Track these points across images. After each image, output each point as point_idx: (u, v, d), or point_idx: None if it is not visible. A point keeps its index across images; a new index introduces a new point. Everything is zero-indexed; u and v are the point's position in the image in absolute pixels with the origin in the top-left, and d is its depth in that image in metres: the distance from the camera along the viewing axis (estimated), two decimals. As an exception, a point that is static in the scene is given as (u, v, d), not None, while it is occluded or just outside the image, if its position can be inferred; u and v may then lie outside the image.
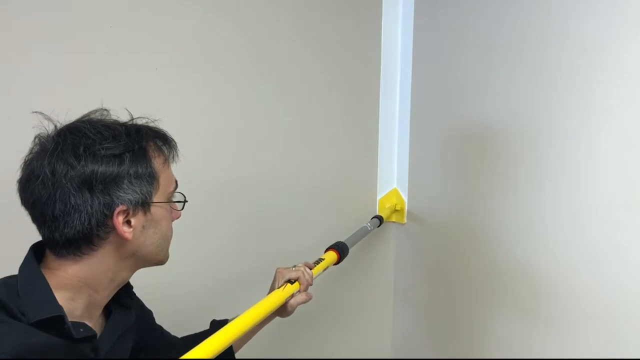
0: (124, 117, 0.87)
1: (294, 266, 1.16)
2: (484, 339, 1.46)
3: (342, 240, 1.38)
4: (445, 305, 1.61)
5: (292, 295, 1.12)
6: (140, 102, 0.96)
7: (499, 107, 1.35)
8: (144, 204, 0.83)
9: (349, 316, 1.79)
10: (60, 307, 0.78)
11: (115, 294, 0.90)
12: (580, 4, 1.13)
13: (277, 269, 1.16)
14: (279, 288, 1.10)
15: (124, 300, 0.95)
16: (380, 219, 1.65)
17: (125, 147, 0.81)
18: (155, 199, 0.85)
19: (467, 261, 1.51)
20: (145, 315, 1.10)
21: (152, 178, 0.84)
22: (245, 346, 1.20)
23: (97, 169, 0.78)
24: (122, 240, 0.82)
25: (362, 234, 1.53)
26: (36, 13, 1.15)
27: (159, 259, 0.90)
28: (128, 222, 0.82)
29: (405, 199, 1.74)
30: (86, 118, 0.83)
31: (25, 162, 0.82)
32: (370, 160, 1.76)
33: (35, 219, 0.81)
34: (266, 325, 1.18)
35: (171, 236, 0.91)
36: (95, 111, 0.85)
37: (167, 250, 0.91)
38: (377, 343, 1.87)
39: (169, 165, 0.89)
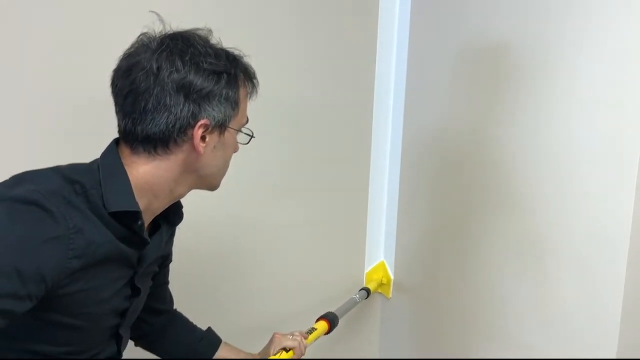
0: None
1: (291, 334, 1.19)
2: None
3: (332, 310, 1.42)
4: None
5: None
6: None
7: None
8: (222, 126, 0.87)
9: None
10: (137, 204, 0.83)
11: (166, 209, 0.93)
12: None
13: (275, 333, 1.18)
14: (274, 355, 1.14)
15: (171, 217, 0.97)
16: (367, 291, 1.69)
17: (224, 67, 0.85)
18: (231, 125, 0.89)
19: (456, 335, 1.55)
20: (168, 258, 1.10)
21: (235, 104, 0.88)
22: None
23: (197, 80, 0.83)
24: (194, 153, 0.86)
25: (351, 304, 1.56)
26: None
27: (214, 184, 0.94)
28: (203, 138, 0.86)
29: (392, 273, 1.79)
30: (195, 32, 0.87)
31: (127, 54, 0.85)
32: (358, 231, 1.79)
33: (122, 109, 0.85)
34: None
35: (228, 167, 0.94)
36: (202, 29, 0.88)
37: (222, 178, 0.95)
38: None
39: (248, 100, 0.93)
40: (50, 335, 0.83)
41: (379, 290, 1.80)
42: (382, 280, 1.79)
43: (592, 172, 1.16)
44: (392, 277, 1.79)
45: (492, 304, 1.42)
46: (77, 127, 1.20)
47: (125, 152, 0.86)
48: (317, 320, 1.36)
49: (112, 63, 0.86)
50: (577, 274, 1.20)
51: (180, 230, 1.08)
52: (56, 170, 0.81)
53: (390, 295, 1.79)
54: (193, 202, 1.04)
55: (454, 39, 1.50)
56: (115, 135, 0.88)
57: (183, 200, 1.00)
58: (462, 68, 1.49)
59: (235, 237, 1.52)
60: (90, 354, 0.90)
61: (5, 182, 0.79)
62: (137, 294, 0.93)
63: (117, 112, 0.86)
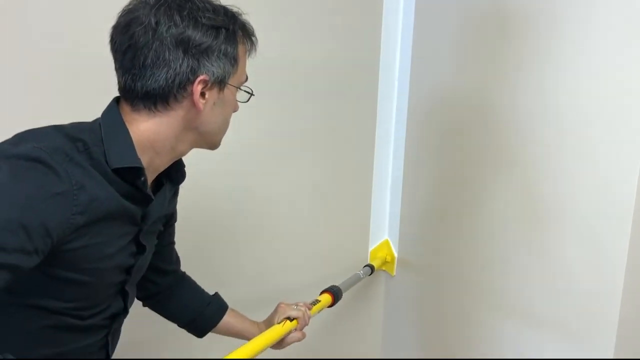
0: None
1: (296, 304, 1.19)
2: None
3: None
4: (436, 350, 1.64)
5: (289, 332, 1.15)
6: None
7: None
8: (221, 82, 0.87)
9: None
10: (140, 160, 0.83)
11: (168, 168, 0.93)
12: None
13: (280, 303, 1.19)
14: (278, 323, 1.14)
15: (174, 175, 0.98)
16: (372, 267, 1.69)
17: (222, 23, 0.85)
18: (230, 82, 0.89)
19: (460, 312, 1.54)
20: (173, 217, 1.10)
21: (234, 61, 0.88)
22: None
23: (196, 34, 0.82)
24: (193, 109, 0.86)
25: (355, 280, 1.57)
26: None
27: (214, 142, 0.94)
28: (202, 95, 0.86)
29: (396, 252, 1.79)
30: None
31: (126, 10, 0.84)
32: (363, 210, 1.79)
33: (121, 65, 0.84)
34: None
35: (228, 126, 0.94)
36: None
37: (222, 136, 0.95)
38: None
39: (247, 57, 0.93)
40: (57, 290, 0.84)
41: (383, 268, 1.80)
42: (386, 258, 1.79)
43: (598, 132, 1.14)
44: (396, 255, 1.78)
45: (496, 280, 1.42)
46: (77, 87, 1.19)
47: (125, 110, 0.86)
48: (321, 293, 1.36)
49: (110, 20, 0.86)
50: (581, 237, 1.19)
51: (183, 200, 1.08)
52: (58, 128, 0.81)
53: (395, 273, 1.79)
54: (195, 173, 1.04)
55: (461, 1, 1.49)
56: (116, 94, 0.88)
57: (187, 168, 1.00)
58: (468, 29, 1.47)
59: (239, 213, 1.52)
60: (98, 309, 0.90)
61: (7, 140, 0.79)
62: (142, 252, 0.93)
63: (116, 69, 0.86)
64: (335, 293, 1.36)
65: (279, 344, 1.16)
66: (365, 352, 1.86)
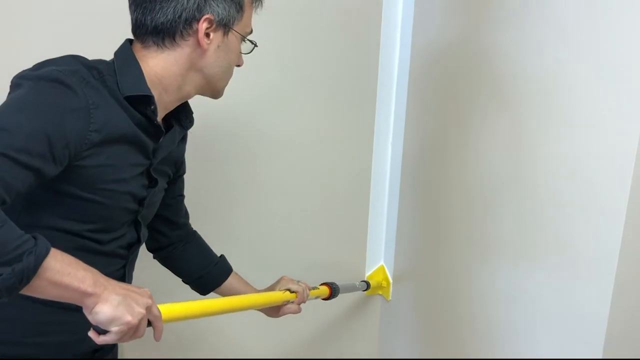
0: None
1: (298, 281, 1.25)
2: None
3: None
4: None
5: (287, 303, 1.19)
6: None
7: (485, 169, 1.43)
8: (226, 26, 0.94)
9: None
10: (150, 90, 0.88)
11: (177, 111, 0.98)
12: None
13: (283, 276, 1.23)
14: (279, 290, 1.18)
15: (183, 120, 1.03)
16: (367, 283, 1.72)
17: None
18: (235, 27, 0.95)
19: (454, 340, 1.55)
20: (182, 166, 1.13)
21: (239, 7, 0.95)
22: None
23: None
24: (198, 49, 0.93)
25: (351, 287, 1.61)
26: None
27: (218, 88, 1.01)
28: (207, 35, 0.92)
29: (391, 277, 1.82)
30: None
31: None
32: (359, 235, 1.83)
33: (134, 1, 0.92)
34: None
35: (231, 75, 1.00)
36: None
37: (225, 86, 1.01)
38: None
39: (252, 9, 0.99)
40: (75, 211, 0.89)
41: (379, 292, 1.83)
42: (382, 283, 1.82)
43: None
44: (391, 280, 1.81)
45: (491, 299, 1.42)
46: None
47: (137, 47, 0.94)
48: (321, 285, 1.40)
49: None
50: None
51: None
52: (75, 57, 0.90)
53: (390, 298, 1.81)
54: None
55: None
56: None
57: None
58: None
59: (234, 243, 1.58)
60: (114, 235, 0.95)
61: (29, 68, 0.88)
62: (154, 185, 0.99)
63: (129, 6, 0.94)
64: (333, 288, 1.40)
65: (275, 311, 1.20)
66: (363, 352, 1.85)
